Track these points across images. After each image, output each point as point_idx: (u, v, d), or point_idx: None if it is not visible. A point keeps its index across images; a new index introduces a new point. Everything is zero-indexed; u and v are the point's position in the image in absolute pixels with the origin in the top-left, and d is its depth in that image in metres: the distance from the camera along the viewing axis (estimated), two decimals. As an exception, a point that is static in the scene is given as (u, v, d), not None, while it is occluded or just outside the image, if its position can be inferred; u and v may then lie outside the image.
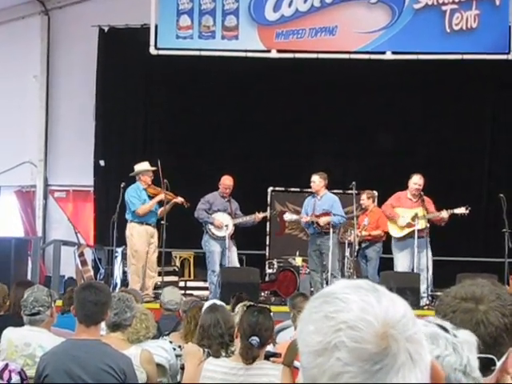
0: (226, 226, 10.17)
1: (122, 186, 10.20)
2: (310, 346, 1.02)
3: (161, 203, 10.10)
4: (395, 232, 10.06)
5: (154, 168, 10.17)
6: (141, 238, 9.92)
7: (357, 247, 10.42)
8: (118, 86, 13.46)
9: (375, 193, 11.33)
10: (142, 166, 10.23)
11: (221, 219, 10.23)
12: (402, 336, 1.01)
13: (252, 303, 5.54)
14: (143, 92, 13.59)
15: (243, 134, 13.03)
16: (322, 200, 10.19)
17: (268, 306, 5.03)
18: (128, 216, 10.03)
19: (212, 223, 10.21)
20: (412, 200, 10.06)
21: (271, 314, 4.43)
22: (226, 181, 10.37)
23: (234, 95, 13.02)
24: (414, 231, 9.79)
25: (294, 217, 10.49)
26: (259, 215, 10.47)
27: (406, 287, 8.09)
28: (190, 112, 13.11)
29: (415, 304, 8.58)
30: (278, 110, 12.92)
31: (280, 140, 12.92)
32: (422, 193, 10.00)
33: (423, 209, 9.90)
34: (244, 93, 13.03)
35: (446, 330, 1.37)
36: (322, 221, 9.95)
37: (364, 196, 10.88)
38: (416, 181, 9.99)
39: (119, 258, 10.93)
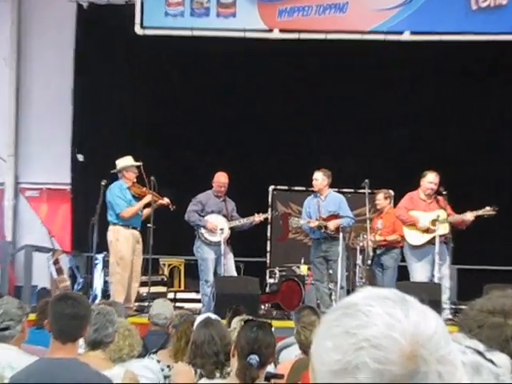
0: (221, 229, 10.12)
1: (102, 183, 10.11)
2: (327, 364, 1.01)
3: (147, 205, 10.06)
4: (413, 239, 9.82)
5: (138, 163, 10.10)
6: (127, 244, 9.83)
7: (371, 254, 10.37)
8: (99, 71, 13.42)
9: (392, 192, 11.23)
10: (126, 161, 10.11)
11: (214, 222, 10.18)
12: (432, 357, 0.99)
13: (251, 317, 5.54)
14: (127, 78, 13.53)
15: (240, 126, 13.02)
16: (326, 200, 10.16)
17: (269, 321, 5.03)
18: (111, 218, 9.92)
19: (204, 227, 10.17)
20: (426, 201, 9.87)
21: (272, 329, 4.44)
22: (221, 178, 10.32)
23: (229, 81, 12.97)
24: (434, 237, 9.64)
25: (301, 221, 10.32)
26: (259, 217, 10.36)
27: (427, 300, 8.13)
28: (180, 101, 13.10)
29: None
30: (278, 101, 12.89)
31: (281, 133, 12.91)
32: (443, 191, 9.84)
33: (443, 210, 9.74)
34: (241, 78, 12.99)
35: (482, 354, 1.37)
36: (333, 224, 9.89)
37: (381, 196, 10.82)
38: (431, 179, 9.81)
39: (100, 266, 10.92)
